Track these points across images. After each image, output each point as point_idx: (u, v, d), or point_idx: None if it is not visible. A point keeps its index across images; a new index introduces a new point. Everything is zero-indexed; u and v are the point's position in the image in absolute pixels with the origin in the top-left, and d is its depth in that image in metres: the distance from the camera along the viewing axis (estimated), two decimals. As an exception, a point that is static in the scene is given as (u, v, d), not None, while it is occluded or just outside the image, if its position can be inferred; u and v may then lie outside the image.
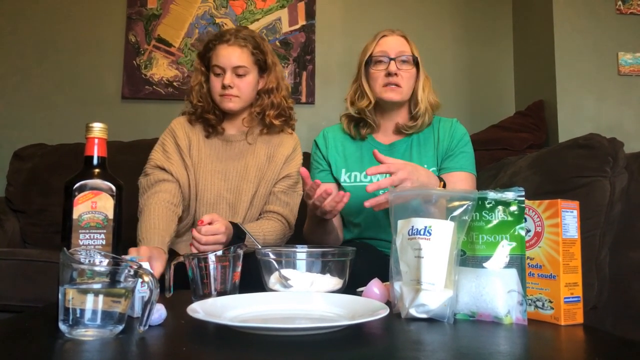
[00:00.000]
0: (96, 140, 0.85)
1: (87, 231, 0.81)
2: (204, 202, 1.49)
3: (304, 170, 1.22)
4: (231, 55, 1.47)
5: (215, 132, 1.55)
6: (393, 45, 1.47)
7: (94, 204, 0.81)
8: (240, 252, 1.02)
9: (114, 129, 2.46)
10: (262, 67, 1.54)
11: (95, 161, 0.84)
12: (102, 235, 0.82)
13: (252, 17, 2.62)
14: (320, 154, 1.57)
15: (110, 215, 0.83)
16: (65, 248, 0.72)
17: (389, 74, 1.44)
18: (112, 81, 2.57)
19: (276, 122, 1.55)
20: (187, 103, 1.59)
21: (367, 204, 1.15)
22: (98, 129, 0.86)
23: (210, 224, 1.23)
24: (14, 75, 2.53)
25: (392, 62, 1.44)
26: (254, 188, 1.50)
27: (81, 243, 0.80)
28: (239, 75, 1.48)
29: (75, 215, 0.80)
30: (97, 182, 0.83)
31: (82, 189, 0.81)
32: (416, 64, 1.47)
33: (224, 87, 1.47)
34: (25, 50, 2.55)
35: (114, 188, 0.84)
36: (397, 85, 1.45)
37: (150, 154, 1.51)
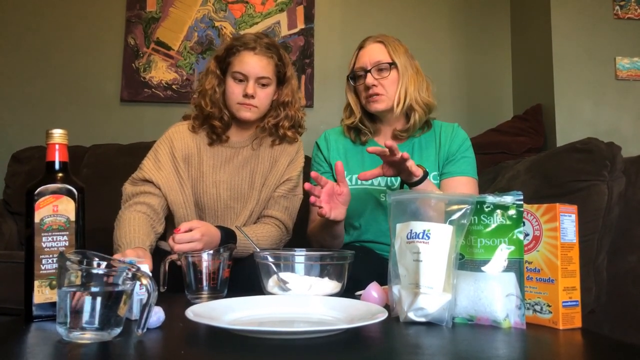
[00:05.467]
0: (57, 146, 0.88)
1: (50, 234, 0.84)
2: (212, 213, 1.46)
3: (308, 185, 1.21)
4: (257, 65, 1.42)
5: (219, 140, 1.49)
6: (369, 56, 1.47)
7: (55, 208, 0.85)
8: (230, 251, 1.08)
9: (113, 131, 2.50)
10: (281, 80, 1.50)
11: (57, 166, 0.87)
12: (65, 237, 0.85)
13: (251, 21, 2.62)
14: (322, 156, 1.57)
15: (72, 218, 0.86)
16: (62, 252, 0.72)
17: (367, 87, 1.45)
18: (111, 84, 2.57)
19: (289, 133, 1.51)
20: (191, 107, 1.52)
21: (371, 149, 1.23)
22: (58, 135, 0.88)
23: (190, 230, 1.20)
24: (12, 78, 2.53)
25: (369, 75, 1.45)
26: (259, 194, 1.49)
27: (44, 246, 0.84)
28: (261, 85, 1.44)
29: (37, 219, 0.83)
30: (58, 186, 0.86)
31: (42, 193, 0.84)
32: (396, 67, 1.44)
33: (246, 95, 1.42)
34: (24, 53, 2.55)
35: (74, 191, 0.86)
36: (378, 94, 1.45)
37: (142, 162, 1.46)
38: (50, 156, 0.87)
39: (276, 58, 1.46)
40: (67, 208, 0.85)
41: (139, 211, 1.37)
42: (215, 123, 1.47)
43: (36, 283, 0.83)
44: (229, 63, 1.46)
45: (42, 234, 0.83)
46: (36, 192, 0.84)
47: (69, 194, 0.86)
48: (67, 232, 0.85)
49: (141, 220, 1.34)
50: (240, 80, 1.43)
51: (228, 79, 1.46)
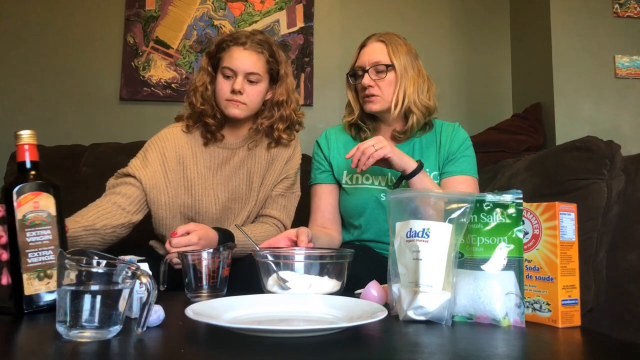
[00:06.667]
0: (26, 147, 0.91)
1: (33, 229, 0.87)
2: (210, 216, 1.43)
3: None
4: (246, 60, 1.38)
5: (214, 139, 1.46)
6: (368, 55, 1.46)
7: (36, 204, 0.87)
8: (230, 250, 1.09)
9: (112, 130, 2.50)
10: (274, 78, 1.47)
11: (28, 165, 0.90)
12: (48, 231, 0.88)
13: (251, 19, 2.62)
14: (322, 155, 1.57)
15: (53, 212, 0.89)
16: (61, 251, 0.72)
17: (364, 87, 1.45)
18: (110, 83, 2.56)
19: (284, 135, 1.48)
20: (185, 105, 1.49)
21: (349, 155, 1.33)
22: (26, 135, 0.91)
23: (187, 233, 1.19)
24: (12, 77, 2.53)
25: (366, 75, 1.45)
26: (257, 194, 1.48)
27: (28, 240, 0.86)
28: (250, 82, 1.40)
29: (19, 216, 0.86)
30: (36, 183, 0.88)
31: (22, 191, 0.87)
32: (393, 69, 1.44)
33: (233, 91, 1.38)
34: (23, 52, 2.54)
35: (51, 188, 0.89)
36: (374, 95, 1.45)
37: (130, 160, 1.44)
38: (20, 157, 0.90)
39: (267, 54, 1.42)
40: (47, 204, 0.88)
41: (109, 200, 1.33)
42: (209, 121, 1.43)
43: (24, 276, 0.85)
44: (219, 59, 1.43)
45: (26, 230, 0.86)
46: (15, 189, 0.86)
47: (48, 190, 0.89)
48: (50, 227, 0.88)
49: (105, 208, 1.30)
50: (229, 77, 1.40)
51: (218, 75, 1.42)
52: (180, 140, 1.45)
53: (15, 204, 0.85)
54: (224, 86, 1.41)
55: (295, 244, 1.19)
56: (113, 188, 1.38)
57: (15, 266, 0.86)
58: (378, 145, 1.28)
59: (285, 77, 1.47)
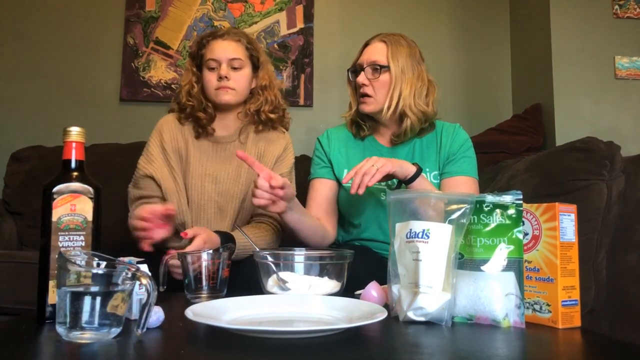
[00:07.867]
0: (74, 144, 0.86)
1: (67, 233, 0.82)
2: (194, 206, 1.47)
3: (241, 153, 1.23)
4: (227, 48, 1.48)
5: (205, 132, 1.52)
6: (368, 54, 1.47)
7: (73, 207, 0.83)
8: (229, 251, 1.10)
9: (112, 131, 2.50)
10: (255, 65, 1.55)
11: (73, 164, 0.85)
12: (82, 237, 0.83)
13: (251, 20, 2.62)
14: (323, 151, 1.57)
15: (90, 218, 0.84)
16: (61, 252, 0.72)
17: (359, 85, 1.46)
18: (111, 83, 2.57)
19: (272, 116, 1.54)
20: (174, 104, 1.58)
21: (347, 180, 1.28)
22: (75, 132, 0.86)
23: (193, 237, 1.21)
24: (12, 77, 2.53)
25: (362, 73, 1.45)
26: (245, 191, 1.49)
27: (60, 245, 0.82)
28: (234, 69, 1.48)
29: (54, 218, 0.82)
30: (76, 185, 0.84)
31: (61, 192, 0.83)
32: (388, 70, 1.43)
33: (220, 78, 1.46)
34: (24, 52, 2.54)
35: (92, 191, 0.85)
36: (367, 95, 1.45)
37: (138, 161, 1.51)
38: (66, 154, 0.85)
39: (245, 41, 1.52)
40: (84, 208, 0.84)
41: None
42: (200, 115, 1.51)
43: (51, 283, 0.81)
44: (202, 55, 1.51)
45: (59, 233, 0.82)
46: (54, 190, 0.82)
47: (87, 193, 0.84)
48: (84, 232, 0.83)
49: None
50: (214, 68, 1.49)
51: (203, 70, 1.51)
52: (175, 130, 1.53)
53: (52, 204, 0.82)
54: (211, 77, 1.49)
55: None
56: (139, 200, 1.43)
57: (43, 270, 0.81)
58: (379, 164, 1.25)
59: (265, 63, 1.57)
